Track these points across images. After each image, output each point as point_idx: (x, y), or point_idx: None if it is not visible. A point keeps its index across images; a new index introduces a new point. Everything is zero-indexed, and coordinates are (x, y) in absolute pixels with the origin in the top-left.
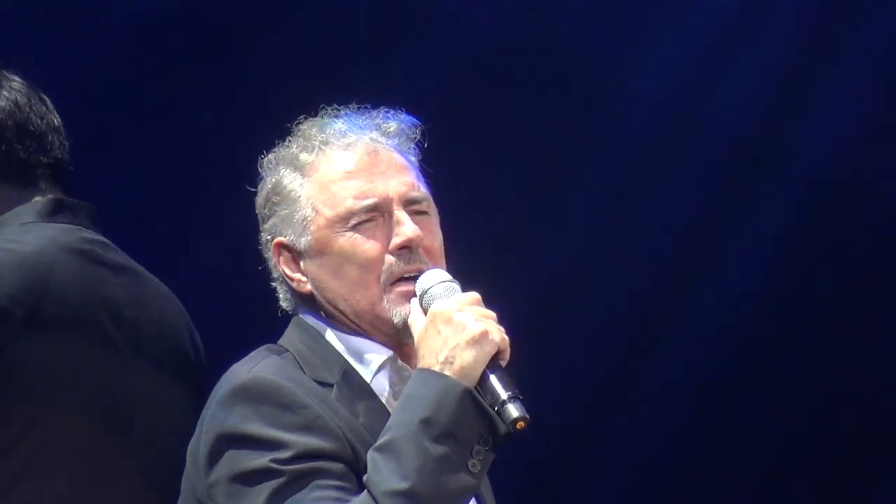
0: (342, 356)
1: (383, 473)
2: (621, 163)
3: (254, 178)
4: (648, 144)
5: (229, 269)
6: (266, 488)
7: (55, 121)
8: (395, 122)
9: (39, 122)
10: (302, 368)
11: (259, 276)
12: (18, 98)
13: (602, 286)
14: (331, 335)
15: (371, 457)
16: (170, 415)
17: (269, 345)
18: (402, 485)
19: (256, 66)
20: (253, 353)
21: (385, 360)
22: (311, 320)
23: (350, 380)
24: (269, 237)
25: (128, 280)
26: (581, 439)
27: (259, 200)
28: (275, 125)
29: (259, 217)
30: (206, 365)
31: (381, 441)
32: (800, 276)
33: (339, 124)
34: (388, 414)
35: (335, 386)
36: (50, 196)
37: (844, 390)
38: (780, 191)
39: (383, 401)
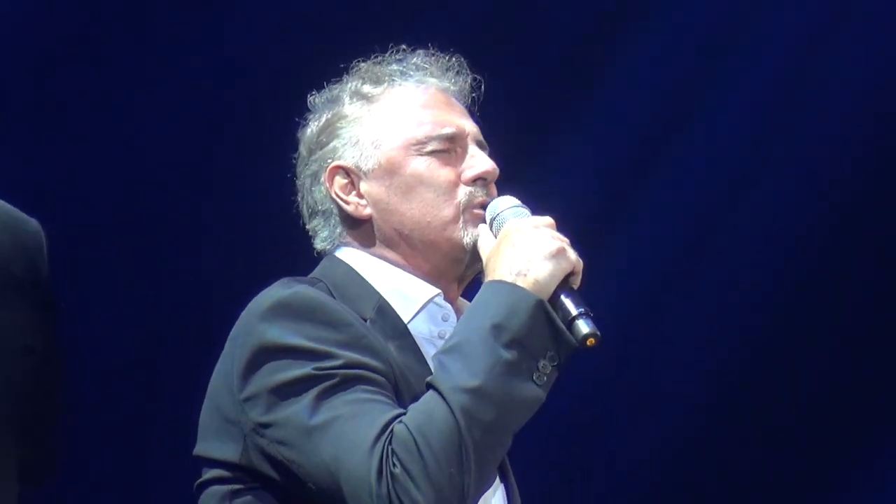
0: (377, 293)
1: (451, 371)
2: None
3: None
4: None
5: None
6: (313, 391)
7: None
8: (462, 75)
9: None
10: (335, 298)
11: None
12: None
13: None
14: (370, 271)
15: (437, 359)
16: None
17: (297, 277)
18: (473, 382)
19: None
20: (282, 280)
21: (430, 299)
22: (348, 256)
23: (385, 316)
24: (321, 166)
25: None
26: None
27: (310, 133)
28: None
29: (306, 152)
30: (49, 276)
31: (448, 344)
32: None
33: (413, 60)
34: (422, 355)
35: (368, 321)
36: None
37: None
38: None
39: (418, 342)
